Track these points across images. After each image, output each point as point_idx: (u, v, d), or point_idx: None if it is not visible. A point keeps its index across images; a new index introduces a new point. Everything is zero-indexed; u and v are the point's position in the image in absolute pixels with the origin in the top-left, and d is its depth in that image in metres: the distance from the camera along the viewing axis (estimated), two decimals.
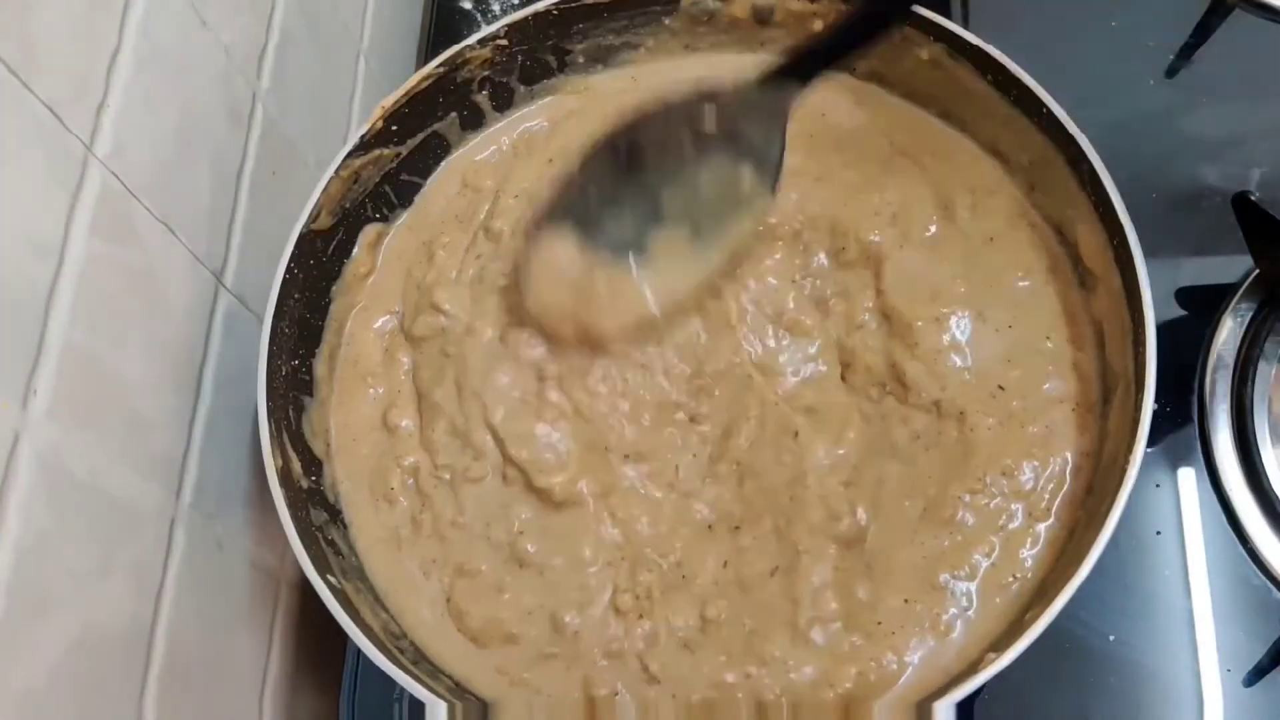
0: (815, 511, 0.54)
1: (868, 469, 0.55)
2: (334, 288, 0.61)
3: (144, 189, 0.50)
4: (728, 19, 0.65)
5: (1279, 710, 0.55)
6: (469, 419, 0.57)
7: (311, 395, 0.59)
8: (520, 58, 0.64)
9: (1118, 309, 0.53)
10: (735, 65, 0.66)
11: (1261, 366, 0.61)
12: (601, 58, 0.67)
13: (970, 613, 0.52)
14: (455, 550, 0.56)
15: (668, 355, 0.58)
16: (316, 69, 0.68)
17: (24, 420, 0.41)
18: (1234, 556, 0.58)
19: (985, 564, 0.52)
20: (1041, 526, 0.53)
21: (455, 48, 0.62)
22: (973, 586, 0.52)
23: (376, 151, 0.61)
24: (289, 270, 0.56)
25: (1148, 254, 0.52)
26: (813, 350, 0.58)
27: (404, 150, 0.63)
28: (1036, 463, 0.54)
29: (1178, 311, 0.64)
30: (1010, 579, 0.52)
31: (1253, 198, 0.64)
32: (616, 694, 0.52)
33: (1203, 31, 0.73)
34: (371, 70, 0.76)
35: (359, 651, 0.51)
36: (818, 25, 0.63)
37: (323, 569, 0.51)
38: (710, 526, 0.55)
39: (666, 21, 0.65)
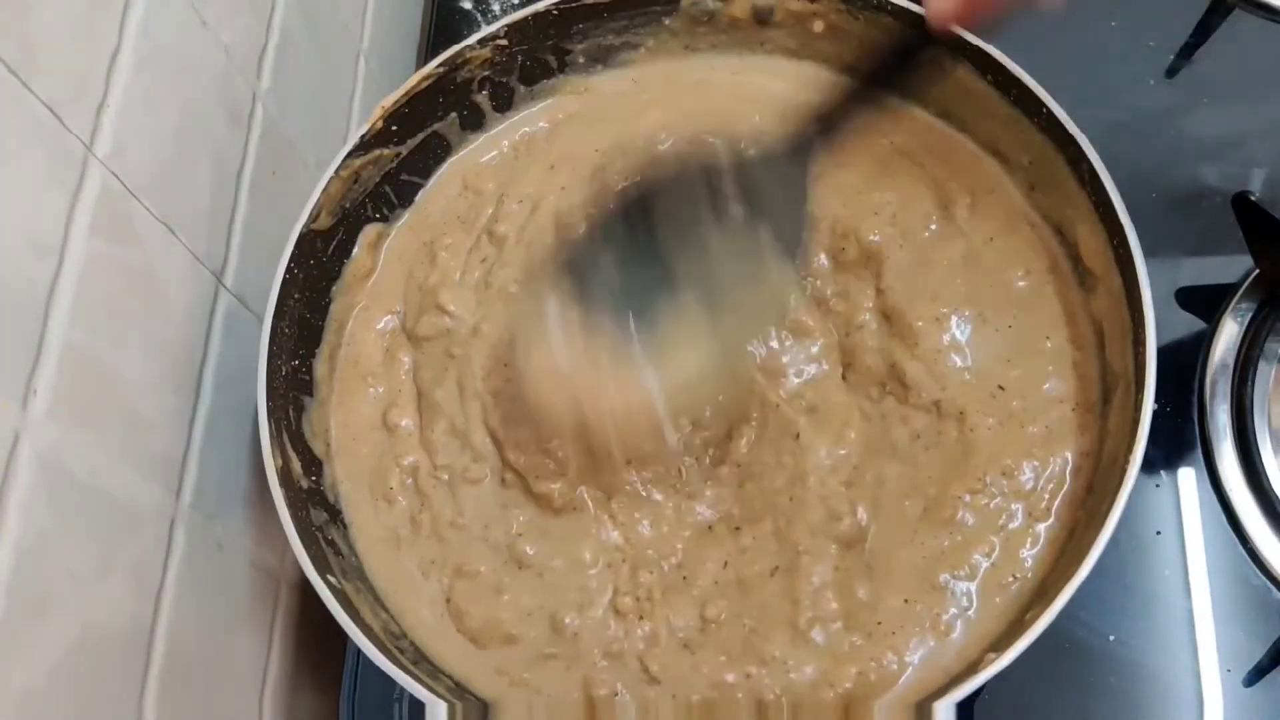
0: (815, 511, 0.54)
1: (868, 469, 0.55)
2: (334, 288, 0.61)
3: (144, 189, 0.50)
4: (728, 19, 0.65)
5: (1279, 710, 0.55)
6: (469, 419, 0.58)
7: (311, 395, 0.59)
8: (520, 58, 0.64)
9: (1118, 309, 0.53)
10: (735, 65, 0.66)
11: (1261, 366, 0.61)
12: (602, 58, 0.67)
13: (970, 613, 0.51)
14: (454, 551, 0.56)
15: None
16: (316, 69, 0.68)
17: (24, 420, 0.41)
18: (1234, 556, 0.58)
19: (985, 564, 0.52)
20: (1041, 526, 0.53)
21: (455, 48, 0.62)
22: (973, 586, 0.52)
23: (376, 151, 0.61)
24: (289, 270, 0.56)
25: (1148, 254, 0.51)
26: (815, 350, 0.58)
27: (404, 150, 0.63)
28: (1036, 463, 0.54)
29: (1178, 311, 0.64)
30: (1010, 579, 0.52)
31: (1253, 198, 0.64)
32: (616, 694, 0.52)
33: (1203, 31, 0.73)
34: (371, 70, 0.76)
35: (359, 651, 0.51)
36: (818, 25, 0.63)
37: (323, 569, 0.51)
38: (711, 527, 0.55)
39: (666, 22, 0.65)
